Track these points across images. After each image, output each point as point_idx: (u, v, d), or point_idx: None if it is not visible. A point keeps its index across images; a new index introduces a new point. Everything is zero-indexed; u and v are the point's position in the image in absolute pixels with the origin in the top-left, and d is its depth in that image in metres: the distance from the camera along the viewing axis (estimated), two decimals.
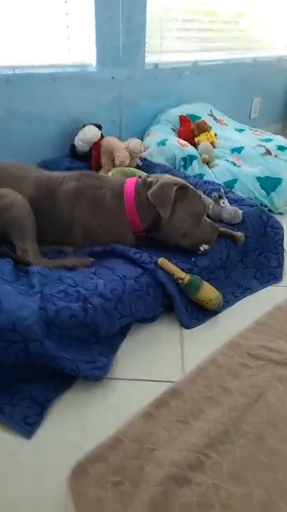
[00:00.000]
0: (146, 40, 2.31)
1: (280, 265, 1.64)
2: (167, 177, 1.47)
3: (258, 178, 2.05)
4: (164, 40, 2.47)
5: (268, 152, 2.22)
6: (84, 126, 2.11)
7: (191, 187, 1.46)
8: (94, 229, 1.48)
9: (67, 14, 1.99)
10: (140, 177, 1.54)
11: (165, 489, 0.86)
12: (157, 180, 1.44)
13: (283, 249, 1.68)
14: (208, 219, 1.50)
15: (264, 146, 2.27)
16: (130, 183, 1.49)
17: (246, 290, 1.52)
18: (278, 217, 1.74)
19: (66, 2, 1.96)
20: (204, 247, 1.46)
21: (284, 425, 1.00)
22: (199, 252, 1.46)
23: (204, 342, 1.28)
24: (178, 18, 2.51)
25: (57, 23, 1.98)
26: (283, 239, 1.68)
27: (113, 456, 0.92)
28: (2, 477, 0.90)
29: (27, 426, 1.00)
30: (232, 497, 0.85)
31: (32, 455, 0.95)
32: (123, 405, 1.07)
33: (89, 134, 2.09)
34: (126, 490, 0.86)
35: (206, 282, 1.38)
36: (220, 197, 1.66)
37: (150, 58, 2.40)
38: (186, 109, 2.51)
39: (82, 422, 1.03)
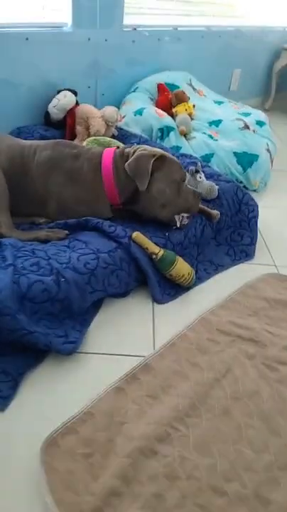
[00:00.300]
0: (125, 0, 2.18)
1: (253, 243, 1.66)
2: (144, 147, 1.43)
3: (236, 154, 2.03)
4: (143, 3, 2.35)
5: (247, 127, 2.19)
6: (58, 92, 2.01)
7: (169, 156, 1.44)
8: (69, 201, 1.44)
9: None
10: (118, 147, 1.49)
11: (133, 460, 0.88)
12: (134, 152, 1.40)
13: (256, 227, 1.69)
14: (190, 187, 1.48)
15: (243, 120, 2.24)
16: (108, 153, 1.45)
17: (218, 267, 1.54)
18: (253, 195, 1.74)
19: None
20: (183, 217, 1.45)
21: (249, 400, 1.03)
22: (175, 227, 1.45)
23: (176, 317, 1.30)
24: None
25: None
26: (257, 216, 1.69)
27: (83, 430, 0.94)
28: None
29: (0, 399, 1.00)
30: (197, 468, 0.88)
31: (3, 428, 0.95)
32: (95, 379, 1.08)
33: (63, 100, 1.99)
34: (96, 461, 0.88)
35: (179, 258, 1.38)
36: (197, 171, 1.64)
37: (128, 20, 2.28)
38: (165, 77, 2.43)
39: (54, 396, 1.03)
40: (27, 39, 1.90)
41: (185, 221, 1.46)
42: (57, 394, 1.04)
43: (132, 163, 1.37)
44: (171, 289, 1.39)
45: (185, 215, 1.46)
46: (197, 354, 1.15)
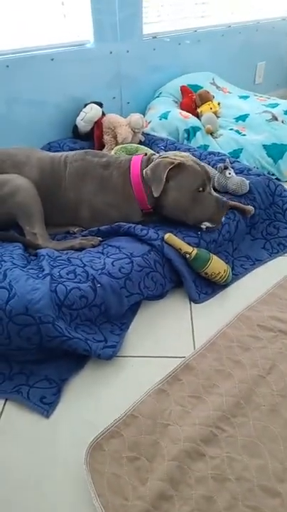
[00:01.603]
0: (143, 10, 2.18)
1: None
2: (167, 155, 1.41)
3: (265, 146, 1.95)
4: (162, 8, 2.33)
5: (275, 118, 2.11)
6: (85, 105, 2.04)
7: (189, 164, 1.36)
8: (101, 208, 1.45)
9: None
10: (146, 154, 1.48)
11: (180, 463, 0.85)
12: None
13: None
14: (215, 194, 1.40)
15: (270, 112, 2.16)
16: (136, 160, 1.45)
17: (256, 262, 1.47)
18: (286, 186, 1.66)
19: None
20: (206, 225, 1.40)
21: None
22: (203, 230, 1.41)
23: (214, 316, 1.25)
24: None
25: (51, 1, 1.88)
26: None
27: (128, 433, 0.91)
28: (22, 455, 0.91)
29: (45, 406, 1.00)
30: (247, 469, 0.83)
31: (49, 433, 0.95)
32: (136, 382, 1.05)
33: (90, 112, 2.01)
34: (142, 465, 0.86)
35: (214, 255, 1.33)
36: (225, 167, 1.59)
37: (148, 29, 2.27)
38: (187, 79, 2.39)
39: (96, 400, 1.02)
40: (52, 59, 1.94)
41: (208, 224, 1.40)
42: (100, 398, 1.03)
43: (149, 170, 1.36)
44: (208, 287, 1.35)
45: (207, 224, 1.39)
46: (239, 351, 1.10)
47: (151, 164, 1.37)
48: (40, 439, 0.94)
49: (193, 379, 1.03)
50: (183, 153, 1.42)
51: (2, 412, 1.00)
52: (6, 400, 1.02)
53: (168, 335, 1.20)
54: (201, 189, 1.36)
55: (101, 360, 1.10)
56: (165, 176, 1.32)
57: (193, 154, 1.86)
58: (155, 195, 1.34)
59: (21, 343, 1.06)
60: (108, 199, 1.44)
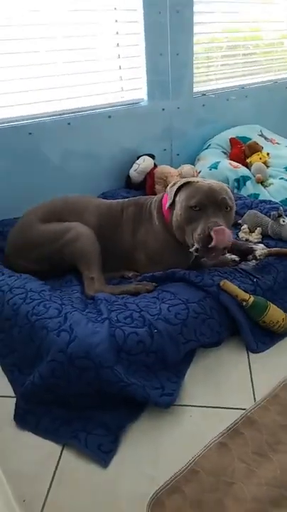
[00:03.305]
0: (193, 71, 2.32)
1: None
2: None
3: None
4: (210, 69, 2.48)
5: None
6: (138, 157, 2.15)
7: (195, 182, 1.36)
8: (155, 251, 1.47)
9: (119, 56, 2.06)
10: None
11: None
12: None
13: None
14: (214, 220, 1.26)
15: None
16: (165, 194, 1.47)
17: None
18: None
19: (118, 45, 2.03)
20: (193, 248, 1.30)
21: None
22: (195, 253, 1.33)
23: (274, 366, 1.20)
24: (223, 45, 2.51)
25: (110, 66, 2.05)
26: None
27: (189, 489, 0.87)
28: (80, 507, 0.88)
29: (102, 454, 0.98)
30: None
31: (107, 485, 0.92)
32: (195, 434, 1.01)
33: (143, 164, 2.11)
34: None
35: (272, 303, 1.30)
36: (279, 215, 1.59)
37: (198, 88, 2.40)
38: (236, 132, 2.47)
39: (155, 451, 0.98)
40: (109, 117, 2.08)
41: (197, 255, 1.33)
42: (157, 449, 0.99)
43: (168, 189, 1.43)
44: (266, 336, 1.30)
45: (196, 246, 1.29)
46: None
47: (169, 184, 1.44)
48: (99, 491, 0.91)
49: (256, 434, 0.97)
50: (208, 179, 1.46)
51: (60, 458, 0.98)
52: (64, 445, 1.01)
53: (226, 384, 1.16)
54: (197, 208, 1.30)
55: (158, 409, 1.07)
56: (174, 191, 1.37)
57: (244, 203, 1.90)
58: (166, 207, 1.39)
59: (81, 387, 1.06)
60: (152, 236, 1.47)
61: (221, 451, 0.94)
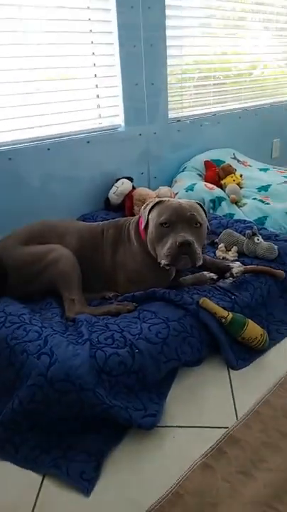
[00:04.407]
0: (168, 99, 2.38)
1: None
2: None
3: None
4: (184, 97, 2.55)
5: None
6: (117, 180, 2.16)
7: (165, 201, 1.39)
8: (134, 271, 1.46)
9: (97, 86, 2.10)
10: None
11: None
12: None
13: None
14: (182, 235, 1.27)
15: None
16: (141, 220, 1.47)
17: None
18: None
19: (95, 76, 2.07)
20: (162, 263, 1.31)
21: None
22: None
23: (255, 382, 1.19)
24: (195, 76, 2.60)
25: (88, 95, 2.09)
26: None
27: None
28: None
29: (84, 482, 0.93)
30: None
31: None
32: (178, 455, 0.98)
33: (121, 186, 2.13)
34: None
35: (250, 320, 1.30)
36: (254, 234, 1.61)
37: (172, 114, 2.46)
38: (210, 155, 2.53)
39: (139, 475, 0.95)
40: (88, 142, 2.10)
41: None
42: (141, 472, 0.96)
43: (141, 209, 1.45)
44: (245, 353, 1.30)
45: (164, 261, 1.30)
46: (285, 422, 1.02)
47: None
48: None
49: (239, 452, 0.95)
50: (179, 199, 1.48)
51: (41, 487, 0.93)
52: (44, 475, 0.96)
53: (208, 403, 1.14)
54: (167, 224, 1.31)
55: (140, 431, 1.04)
56: (147, 211, 1.38)
57: (220, 222, 1.92)
58: (142, 228, 1.41)
59: (61, 411, 1.02)
60: (132, 256, 1.46)
61: (205, 472, 0.91)
